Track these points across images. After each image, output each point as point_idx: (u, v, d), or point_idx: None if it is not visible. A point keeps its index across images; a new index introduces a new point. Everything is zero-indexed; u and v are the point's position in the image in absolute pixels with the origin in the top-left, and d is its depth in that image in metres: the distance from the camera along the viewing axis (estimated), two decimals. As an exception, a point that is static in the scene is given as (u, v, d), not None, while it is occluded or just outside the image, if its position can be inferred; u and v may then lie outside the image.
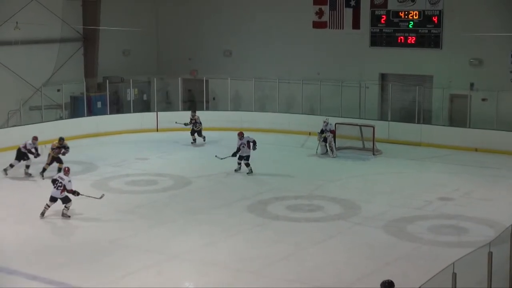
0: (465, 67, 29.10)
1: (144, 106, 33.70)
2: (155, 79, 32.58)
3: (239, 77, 32.84)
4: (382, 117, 30.64)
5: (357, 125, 27.55)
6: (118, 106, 32.93)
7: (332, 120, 27.37)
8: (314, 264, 15.34)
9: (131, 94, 32.89)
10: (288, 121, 30.69)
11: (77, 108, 31.83)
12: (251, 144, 23.52)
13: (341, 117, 29.37)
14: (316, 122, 28.86)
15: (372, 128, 26.70)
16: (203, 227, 17.87)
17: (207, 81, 33.57)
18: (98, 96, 32.20)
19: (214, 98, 34.58)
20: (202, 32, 35.14)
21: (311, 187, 21.91)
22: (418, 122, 28.93)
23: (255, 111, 32.02)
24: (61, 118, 30.92)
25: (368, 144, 26.98)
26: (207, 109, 33.25)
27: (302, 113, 31.09)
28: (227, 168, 24.22)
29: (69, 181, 18.56)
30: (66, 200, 18.59)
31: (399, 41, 30.49)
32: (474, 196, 20.86)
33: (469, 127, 27.87)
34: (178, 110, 32.78)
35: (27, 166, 23.11)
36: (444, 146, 27.58)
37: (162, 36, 36.53)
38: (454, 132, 28.14)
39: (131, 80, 32.54)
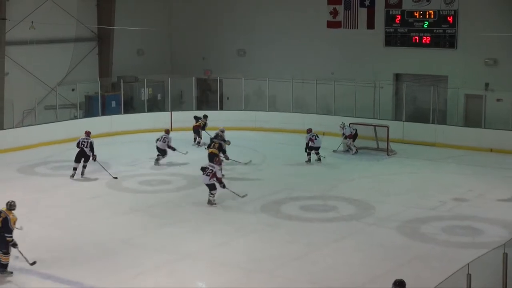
0: (480, 67, 28.95)
1: (158, 106, 33.73)
2: (169, 78, 32.60)
3: (253, 76, 32.81)
4: (397, 117, 30.52)
5: (371, 125, 27.46)
6: (132, 106, 33.04)
7: (346, 120, 27.29)
8: (327, 264, 15.26)
9: (145, 93, 32.93)
10: (302, 121, 30.58)
11: (91, 107, 31.91)
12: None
13: (355, 117, 29.25)
14: (330, 122, 28.87)
15: (386, 128, 26.60)
16: (216, 226, 17.84)
17: (221, 80, 33.59)
18: (113, 95, 32.27)
19: (228, 98, 34.58)
20: (216, 31, 35.16)
21: (325, 187, 21.84)
22: (433, 123, 28.78)
23: (269, 110, 31.97)
24: (75, 118, 31.04)
25: (383, 144, 26.88)
26: (221, 108, 33.23)
27: (316, 113, 31.00)
28: (240, 168, 24.20)
29: (220, 169, 19.97)
30: (212, 187, 19.66)
31: (413, 41, 30.37)
32: (488, 197, 20.71)
33: (484, 128, 27.69)
34: (192, 109, 32.77)
35: (84, 166, 23.09)
36: (459, 146, 27.43)
37: (176, 35, 36.58)
38: (469, 132, 27.98)
39: (145, 80, 32.61)
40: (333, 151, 26.58)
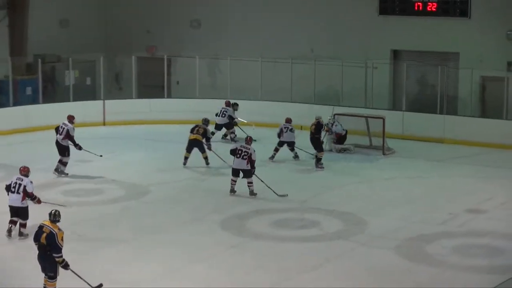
0: (500, 41, 29.22)
1: (87, 93, 33.59)
2: (101, 57, 32.45)
3: (210, 55, 32.79)
4: (395, 106, 30.74)
5: (362, 116, 27.60)
6: (53, 93, 32.89)
7: (330, 111, 27.41)
8: (306, 296, 15.36)
9: (70, 77, 32.76)
10: (274, 111, 30.61)
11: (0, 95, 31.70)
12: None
13: (342, 106, 29.43)
14: (309, 113, 28.83)
15: (381, 120, 26.77)
16: (164, 249, 17.81)
17: (169, 60, 33.53)
18: (28, 80, 32.08)
19: (178, 82, 34.53)
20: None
21: (303, 196, 21.94)
22: (441, 113, 29.03)
23: (231, 98, 31.97)
24: (-21, 109, 30.83)
25: (377, 141, 27.07)
26: (169, 96, 33.18)
27: (291, 101, 31.08)
28: (196, 172, 24.22)
29: (254, 150, 21.60)
30: (249, 174, 21.46)
31: (416, 8, 30.61)
32: (511, 207, 20.94)
33: (506, 119, 27.97)
34: (131, 97, 32.69)
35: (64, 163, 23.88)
36: (474, 143, 27.67)
37: (111, 2, 36.40)
38: (486, 125, 28.24)
39: (70, 59, 32.42)
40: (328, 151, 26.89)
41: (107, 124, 31.08)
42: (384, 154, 26.61)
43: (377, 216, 20.10)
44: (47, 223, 14.82)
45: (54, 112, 30.58)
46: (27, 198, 18.02)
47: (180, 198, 21.80)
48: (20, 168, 18.40)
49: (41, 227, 14.80)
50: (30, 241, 16.11)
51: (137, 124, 30.41)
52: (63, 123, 23.82)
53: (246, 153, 21.36)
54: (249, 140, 21.93)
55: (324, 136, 26.32)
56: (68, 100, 31.87)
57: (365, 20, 31.43)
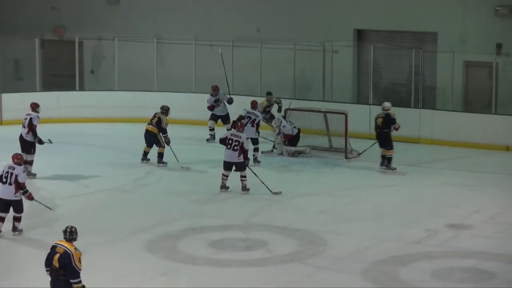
0: (487, 18, 29.40)
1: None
2: (-4, 41, 32.34)
3: (132, 36, 32.65)
4: (359, 98, 30.84)
5: (320, 111, 27.61)
6: None
7: (283, 103, 27.40)
8: (253, 333, 15.34)
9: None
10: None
11: None
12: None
13: (295, 98, 29.43)
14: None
15: (343, 116, 26.83)
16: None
17: (80, 43, 33.32)
18: None
19: (92, 71, 34.36)
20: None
21: (249, 211, 21.92)
22: (416, 106, 29.17)
23: (158, 90, 31.87)
24: None
25: (338, 142, 27.12)
26: (82, 88, 33.02)
27: (232, 93, 31.01)
28: (119, 180, 24.06)
29: (247, 139, 22.48)
30: (242, 167, 22.52)
31: (384, -21, 30.84)
32: (502, 221, 21.06)
33: (495, 113, 28.15)
34: (34, 90, 32.43)
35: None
36: (457, 143, 27.89)
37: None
38: (471, 121, 28.42)
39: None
40: (262, 152, 26.79)
41: (5, 123, 30.86)
42: (346, 158, 26.70)
43: (339, 234, 20.12)
44: (62, 242, 14.64)
45: None
46: (20, 191, 19.04)
47: (95, 214, 21.61)
48: (13, 156, 19.26)
49: (53, 248, 14.63)
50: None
51: (42, 123, 30.15)
52: (27, 114, 24.29)
53: (237, 143, 22.16)
54: (240, 126, 22.56)
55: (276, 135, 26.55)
56: (-44, 94, 31.65)
57: (323, -6, 31.59)
